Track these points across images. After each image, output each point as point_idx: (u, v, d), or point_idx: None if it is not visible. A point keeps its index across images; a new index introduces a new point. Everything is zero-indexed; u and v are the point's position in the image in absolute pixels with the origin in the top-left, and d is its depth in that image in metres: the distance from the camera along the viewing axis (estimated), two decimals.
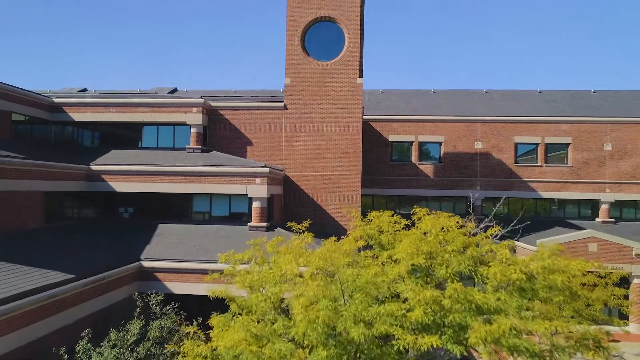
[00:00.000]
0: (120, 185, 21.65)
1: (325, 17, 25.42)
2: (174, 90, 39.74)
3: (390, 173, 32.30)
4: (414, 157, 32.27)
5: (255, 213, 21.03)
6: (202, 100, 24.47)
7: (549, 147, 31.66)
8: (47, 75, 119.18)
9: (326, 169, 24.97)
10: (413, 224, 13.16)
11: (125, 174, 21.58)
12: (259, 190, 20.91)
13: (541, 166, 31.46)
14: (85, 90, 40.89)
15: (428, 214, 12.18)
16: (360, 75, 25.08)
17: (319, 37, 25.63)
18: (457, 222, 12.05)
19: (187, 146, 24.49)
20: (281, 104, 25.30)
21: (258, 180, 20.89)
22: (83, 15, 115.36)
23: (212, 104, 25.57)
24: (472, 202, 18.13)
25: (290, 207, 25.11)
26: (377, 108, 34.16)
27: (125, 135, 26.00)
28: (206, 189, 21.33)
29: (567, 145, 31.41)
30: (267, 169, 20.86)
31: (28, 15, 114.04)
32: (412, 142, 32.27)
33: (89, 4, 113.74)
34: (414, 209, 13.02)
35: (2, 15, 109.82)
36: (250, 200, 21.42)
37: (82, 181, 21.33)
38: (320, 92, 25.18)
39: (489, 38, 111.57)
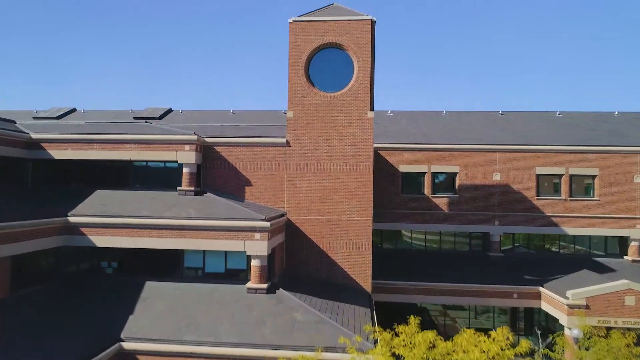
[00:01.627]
0: (102, 240, 19.17)
1: (332, 43, 22.94)
2: (169, 111, 37.36)
3: (401, 206, 29.82)
4: (427, 189, 29.78)
5: (254, 272, 18.54)
6: (195, 137, 22.01)
7: (574, 179, 29.18)
8: (45, 75, 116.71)
9: (333, 213, 22.49)
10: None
11: (107, 227, 19.10)
12: (258, 247, 18.42)
13: (565, 199, 28.96)
14: (74, 110, 38.52)
15: (472, 331, 9.74)
16: (371, 109, 22.60)
17: (325, 65, 23.16)
18: (508, 339, 9.61)
19: (179, 188, 22.01)
20: (283, 140, 22.83)
21: (257, 235, 18.42)
22: (82, 16, 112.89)
23: (207, 139, 23.10)
24: (539, 338, 15.62)
25: (293, 254, 22.65)
26: (386, 134, 31.68)
27: (111, 173, 23.47)
28: (199, 245, 18.84)
29: (594, 177, 28.92)
30: (267, 224, 18.37)
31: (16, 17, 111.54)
32: (425, 172, 29.78)
33: (88, 4, 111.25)
34: (462, 329, 10.51)
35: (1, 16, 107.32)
36: (249, 256, 18.94)
37: (58, 236, 18.86)
38: (326, 127, 22.71)
39: (490, 39, 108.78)
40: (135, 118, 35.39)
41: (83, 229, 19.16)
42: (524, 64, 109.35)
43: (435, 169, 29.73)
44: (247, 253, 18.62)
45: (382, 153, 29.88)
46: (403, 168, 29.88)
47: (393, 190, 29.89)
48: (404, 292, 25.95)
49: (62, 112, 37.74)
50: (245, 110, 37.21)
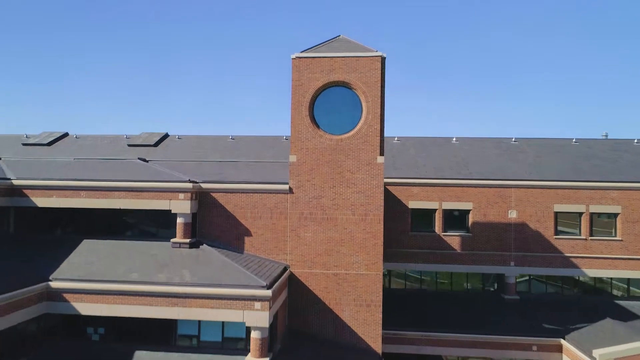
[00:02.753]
0: (87, 308, 17.42)
1: (338, 81, 21.19)
2: (165, 137, 35.70)
3: (410, 245, 28.07)
4: (438, 227, 28.03)
5: (254, 346, 16.76)
6: (190, 186, 20.28)
7: (595, 217, 27.44)
8: (41, 88, 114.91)
9: (340, 266, 20.76)
10: None
11: (92, 293, 17.37)
12: (259, 317, 16.68)
13: (585, 239, 27.22)
14: (66, 135, 36.85)
15: None
16: (381, 153, 20.87)
17: (330, 105, 21.41)
18: None
19: (172, 240, 20.33)
20: (285, 187, 21.09)
21: (258, 305, 16.68)
22: (82, 15, 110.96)
23: (203, 185, 21.37)
24: None
25: (297, 312, 20.90)
26: (394, 166, 29.92)
27: (100, 220, 21.84)
28: (193, 315, 17.09)
29: (616, 215, 27.18)
30: (269, 292, 16.61)
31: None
32: (436, 209, 28.02)
33: (86, 5, 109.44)
34: None
35: None
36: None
37: (39, 304, 17.13)
38: (332, 173, 20.97)
39: (488, 36, 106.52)
40: (129, 145, 33.94)
41: (66, 295, 17.43)
42: (523, 62, 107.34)
43: (447, 205, 27.97)
44: (247, 324, 16.88)
45: (390, 188, 28.13)
46: (413, 204, 28.13)
47: (401, 228, 28.15)
48: (415, 343, 24.21)
49: (53, 138, 36.08)
50: (244, 135, 35.48)
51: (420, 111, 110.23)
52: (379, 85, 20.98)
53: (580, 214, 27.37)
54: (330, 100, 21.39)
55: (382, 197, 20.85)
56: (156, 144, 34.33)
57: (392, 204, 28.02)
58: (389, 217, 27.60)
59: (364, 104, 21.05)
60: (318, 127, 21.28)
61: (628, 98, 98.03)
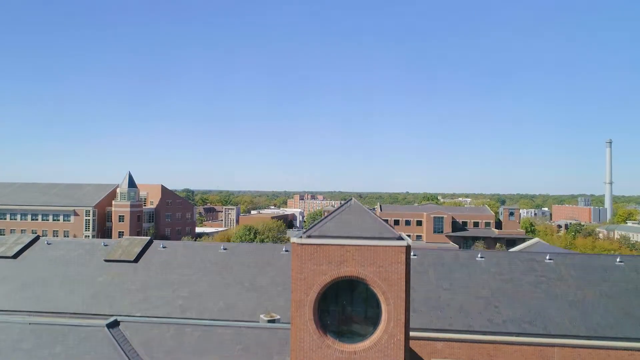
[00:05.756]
0: None
1: (351, 276, 16.72)
2: (149, 244, 31.41)
3: None
4: None
5: None
6: None
7: None
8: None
9: None
10: None
11: None
12: None
13: None
14: (37, 239, 32.54)
15: None
16: None
17: (342, 304, 16.96)
18: None
19: None
20: None
21: None
22: (81, 16, 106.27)
23: None
24: None
25: None
26: (412, 305, 25.40)
27: None
28: None
29: None
30: None
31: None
32: None
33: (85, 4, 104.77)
34: None
35: None
36: None
37: None
38: None
39: (489, 36, 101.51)
40: (106, 260, 29.77)
41: None
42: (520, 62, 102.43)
43: None
44: None
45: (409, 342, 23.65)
46: None
47: None
48: None
49: (22, 246, 31.84)
50: (237, 243, 31.07)
51: (420, 112, 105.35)
52: (404, 282, 16.51)
53: None
54: (342, 298, 16.94)
55: None
56: (136, 259, 30.04)
57: None
58: None
59: (383, 307, 16.58)
60: (325, 333, 16.81)
61: (630, 99, 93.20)
